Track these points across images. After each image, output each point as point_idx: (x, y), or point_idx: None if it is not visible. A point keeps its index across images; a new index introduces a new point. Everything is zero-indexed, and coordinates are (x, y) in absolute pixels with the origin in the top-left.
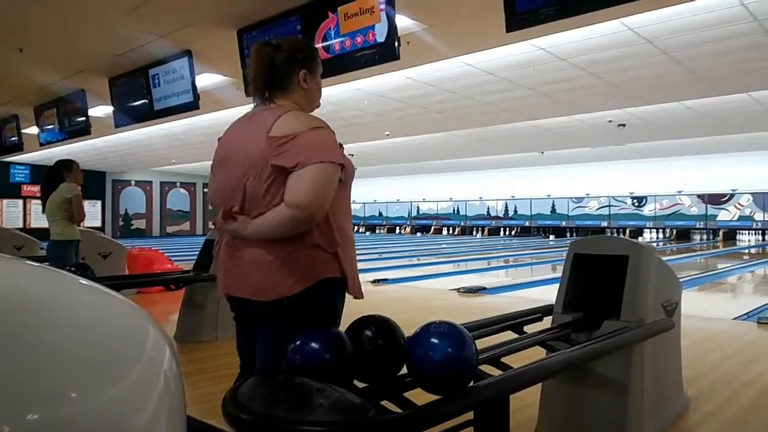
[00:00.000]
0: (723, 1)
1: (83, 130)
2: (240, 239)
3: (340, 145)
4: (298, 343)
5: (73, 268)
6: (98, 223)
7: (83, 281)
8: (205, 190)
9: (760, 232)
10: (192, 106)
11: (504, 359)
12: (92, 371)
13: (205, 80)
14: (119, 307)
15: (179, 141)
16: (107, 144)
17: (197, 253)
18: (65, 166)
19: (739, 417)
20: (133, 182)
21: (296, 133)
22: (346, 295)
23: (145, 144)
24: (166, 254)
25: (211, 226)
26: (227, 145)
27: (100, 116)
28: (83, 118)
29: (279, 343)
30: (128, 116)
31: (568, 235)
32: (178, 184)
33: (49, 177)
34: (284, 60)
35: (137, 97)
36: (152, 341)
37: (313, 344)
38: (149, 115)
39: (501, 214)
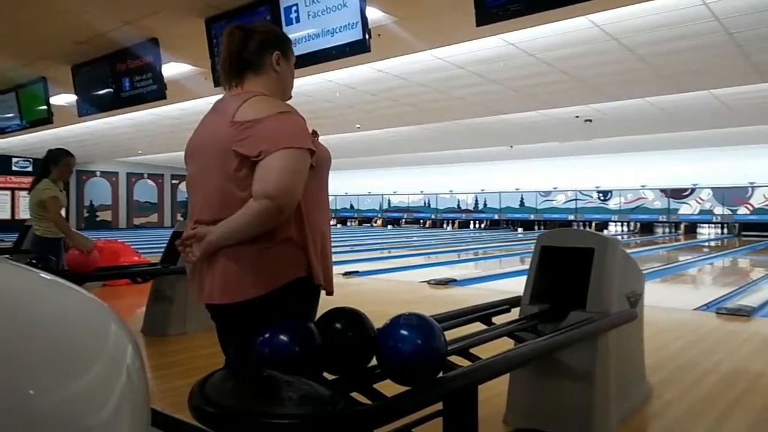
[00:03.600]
0: (686, 0)
1: (45, 120)
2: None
3: (314, 133)
4: (266, 335)
5: (34, 261)
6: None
7: (43, 275)
8: (174, 181)
9: (719, 225)
10: (159, 95)
11: (472, 350)
12: (51, 367)
13: (173, 69)
14: (80, 301)
15: (146, 131)
16: (70, 134)
17: (165, 245)
18: (52, 157)
19: (699, 404)
20: (98, 173)
21: (260, 117)
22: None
23: (111, 134)
24: (133, 246)
25: (179, 218)
26: (196, 135)
27: (62, 105)
28: (44, 107)
29: (251, 346)
30: (92, 105)
31: (536, 228)
32: (145, 175)
33: (42, 167)
34: (258, 42)
35: (102, 85)
36: (114, 335)
37: (282, 337)
38: (114, 104)
39: (471, 207)
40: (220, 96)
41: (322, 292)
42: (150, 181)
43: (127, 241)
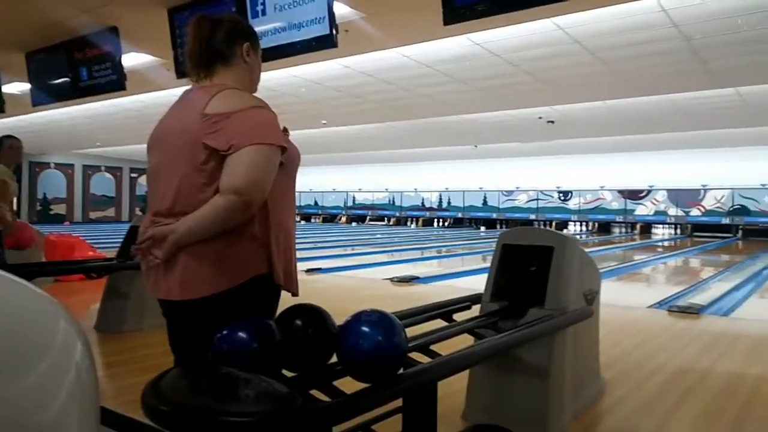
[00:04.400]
0: (647, 6)
1: None
2: (165, 225)
3: (285, 130)
4: (225, 332)
5: None
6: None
7: None
8: (133, 175)
9: (673, 226)
10: (118, 86)
11: (433, 347)
12: None
13: (133, 60)
14: (25, 296)
15: (105, 122)
16: (23, 123)
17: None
18: None
19: (649, 401)
20: (52, 165)
21: (232, 111)
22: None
23: (67, 124)
24: (88, 241)
25: (137, 212)
26: (161, 125)
27: (15, 93)
28: None
29: (207, 344)
30: (47, 94)
31: (498, 226)
32: (102, 168)
33: None
34: (227, 32)
35: (58, 74)
36: (62, 332)
37: (241, 334)
38: (71, 93)
39: (435, 206)
40: (183, 88)
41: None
42: (108, 174)
43: (82, 236)
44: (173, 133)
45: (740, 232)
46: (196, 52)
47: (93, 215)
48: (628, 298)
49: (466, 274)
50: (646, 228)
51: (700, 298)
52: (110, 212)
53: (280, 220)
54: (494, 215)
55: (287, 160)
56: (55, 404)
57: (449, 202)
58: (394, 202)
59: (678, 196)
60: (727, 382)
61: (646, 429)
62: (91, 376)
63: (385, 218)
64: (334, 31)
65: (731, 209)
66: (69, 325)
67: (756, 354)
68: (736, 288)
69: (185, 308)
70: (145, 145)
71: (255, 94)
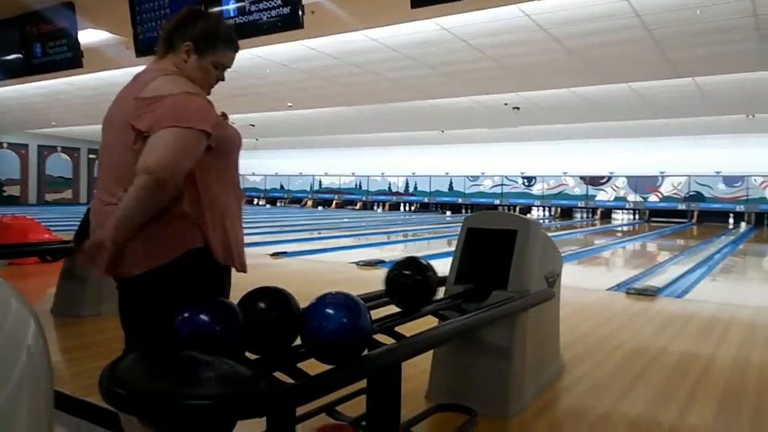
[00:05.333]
0: None
1: None
2: (108, 204)
3: (224, 115)
4: (186, 314)
5: None
6: None
7: None
8: (91, 155)
9: (632, 211)
10: (74, 63)
11: (398, 328)
12: None
13: (91, 37)
14: None
15: (61, 101)
16: None
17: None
18: None
19: (607, 378)
20: (5, 145)
21: (163, 95)
22: (234, 269)
23: (20, 102)
24: (43, 224)
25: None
26: (111, 106)
27: None
28: None
29: (153, 319)
30: None
31: (463, 211)
32: (59, 149)
33: None
34: (181, 23)
35: (9, 50)
36: (13, 313)
37: (203, 316)
38: (24, 70)
39: (402, 190)
40: (143, 67)
41: (244, 272)
42: (64, 155)
43: (37, 218)
44: (116, 115)
45: (695, 217)
46: (164, 31)
47: (49, 197)
48: (588, 281)
49: (431, 257)
50: (607, 213)
51: (656, 281)
52: (67, 194)
53: (214, 199)
54: (460, 200)
55: (223, 142)
56: (6, 387)
57: (416, 187)
58: (360, 186)
59: (637, 183)
60: (680, 361)
61: (603, 406)
62: (44, 360)
63: (351, 203)
64: (300, 12)
65: (687, 195)
66: (20, 307)
67: (707, 334)
68: (690, 271)
69: (128, 287)
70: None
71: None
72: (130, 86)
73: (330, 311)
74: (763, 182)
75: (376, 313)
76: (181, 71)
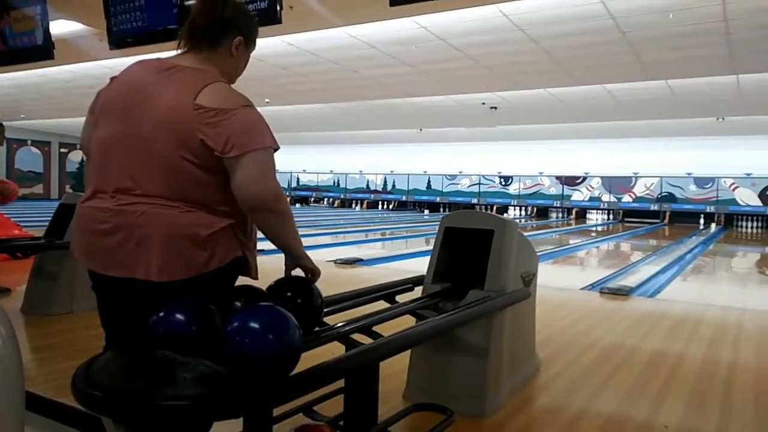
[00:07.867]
0: None
1: None
2: (136, 203)
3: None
4: (161, 314)
5: None
6: None
7: None
8: (63, 150)
9: (606, 211)
10: (45, 54)
11: (375, 328)
12: None
13: (62, 27)
14: None
15: (31, 93)
16: None
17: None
18: None
19: (581, 376)
20: None
21: (227, 108)
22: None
23: None
24: (13, 219)
25: (68, 189)
26: (129, 90)
27: None
28: None
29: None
30: None
31: (441, 210)
32: (29, 142)
33: None
34: (221, 16)
35: None
36: None
37: (179, 315)
38: None
39: (380, 188)
40: (117, 60)
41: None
42: (34, 149)
43: (6, 214)
44: (152, 108)
45: (667, 218)
46: (193, 23)
47: (19, 192)
48: (563, 280)
49: (409, 256)
50: (582, 213)
51: (629, 281)
52: (38, 189)
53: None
54: (438, 199)
55: None
56: None
57: (394, 185)
58: (338, 184)
59: (611, 183)
60: (651, 359)
61: (578, 403)
62: (13, 359)
63: (329, 200)
64: (278, 7)
65: (659, 196)
66: None
67: (677, 333)
68: (662, 271)
69: (157, 290)
70: (76, 119)
71: None
72: (162, 78)
73: (255, 326)
74: (732, 184)
75: (354, 313)
76: (221, 69)
